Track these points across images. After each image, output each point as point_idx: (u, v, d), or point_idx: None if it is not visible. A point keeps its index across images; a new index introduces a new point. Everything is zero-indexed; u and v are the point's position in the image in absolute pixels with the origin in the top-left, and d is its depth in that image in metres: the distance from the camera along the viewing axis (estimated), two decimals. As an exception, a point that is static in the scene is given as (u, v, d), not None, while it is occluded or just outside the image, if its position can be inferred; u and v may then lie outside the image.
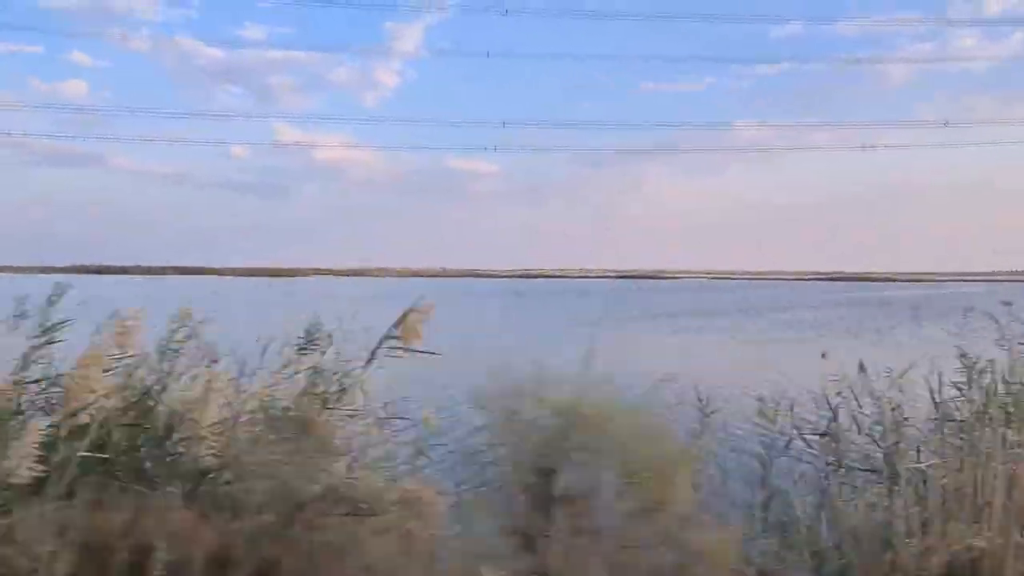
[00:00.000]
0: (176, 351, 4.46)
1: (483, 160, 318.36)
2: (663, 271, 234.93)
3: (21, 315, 4.57)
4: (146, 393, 4.20)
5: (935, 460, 3.99)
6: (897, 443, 4.16)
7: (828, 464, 4.42)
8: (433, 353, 4.47)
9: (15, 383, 3.94)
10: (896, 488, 3.77)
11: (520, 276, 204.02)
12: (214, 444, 3.90)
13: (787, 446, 4.62)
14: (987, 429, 3.92)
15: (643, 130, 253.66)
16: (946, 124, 68.05)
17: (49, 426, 3.54)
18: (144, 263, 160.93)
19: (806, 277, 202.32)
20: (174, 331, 4.52)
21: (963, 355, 4.64)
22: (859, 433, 4.50)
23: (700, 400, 4.65)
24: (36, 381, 4.06)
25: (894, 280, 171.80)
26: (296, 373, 4.52)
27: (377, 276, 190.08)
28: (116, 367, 4.11)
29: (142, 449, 4.09)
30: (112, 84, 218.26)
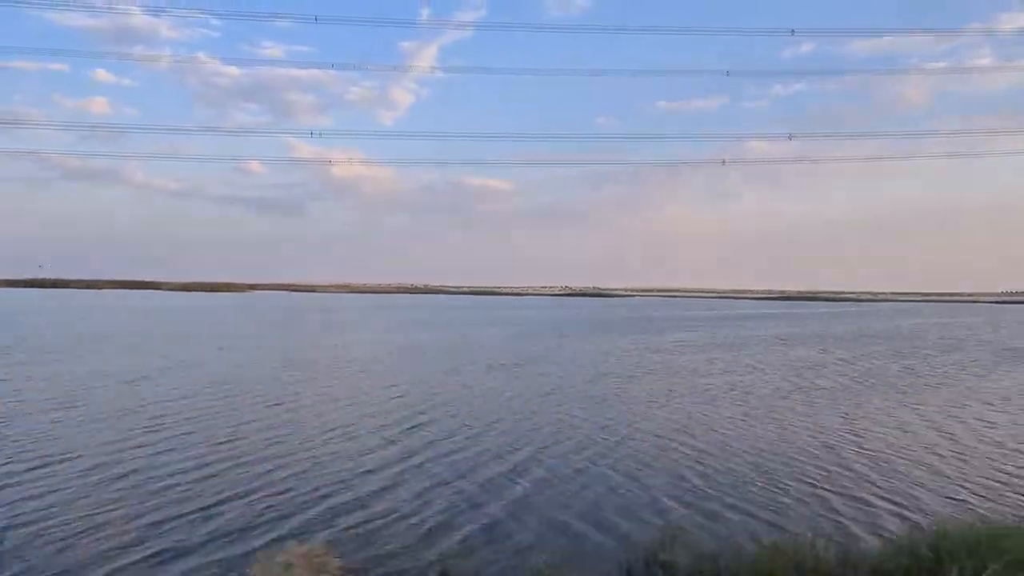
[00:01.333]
0: None
1: (496, 178, 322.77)
2: (605, 289, 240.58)
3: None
4: None
5: None
6: None
7: None
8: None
9: None
10: None
11: (470, 292, 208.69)
12: None
13: None
14: None
15: (656, 150, 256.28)
16: (790, 137, 71.63)
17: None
18: (86, 277, 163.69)
19: (761, 296, 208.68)
20: None
21: None
22: None
23: None
24: None
25: (831, 299, 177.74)
26: None
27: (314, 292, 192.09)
28: None
29: None
30: (134, 102, 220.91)
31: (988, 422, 13.69)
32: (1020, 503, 8.34)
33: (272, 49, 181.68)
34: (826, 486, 8.94)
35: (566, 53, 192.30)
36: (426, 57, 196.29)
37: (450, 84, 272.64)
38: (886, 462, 10.26)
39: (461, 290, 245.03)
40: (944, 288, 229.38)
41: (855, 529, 7.30)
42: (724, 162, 62.16)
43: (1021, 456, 10.83)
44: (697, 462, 10.12)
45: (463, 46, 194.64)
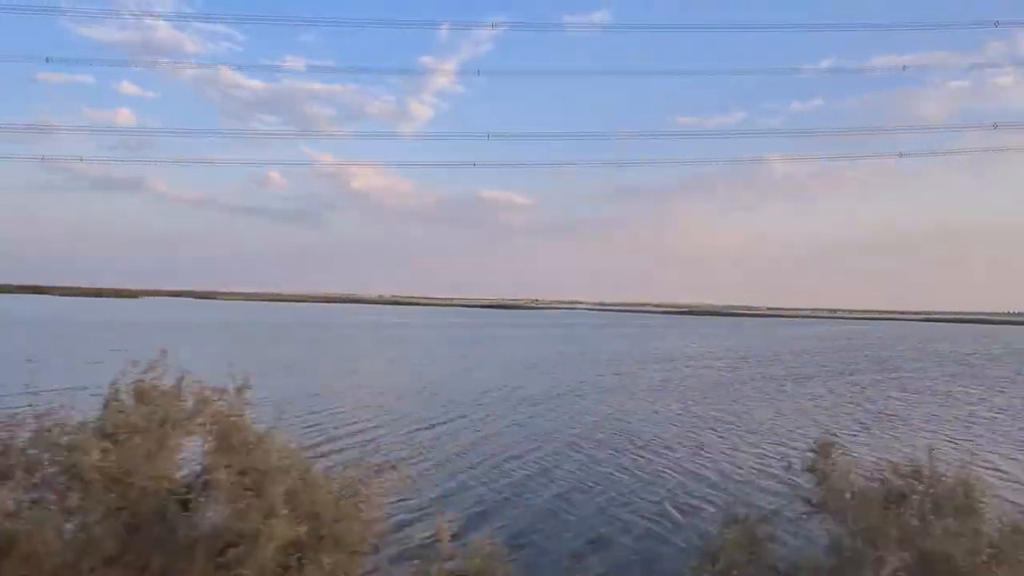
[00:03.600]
0: None
1: (516, 192, 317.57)
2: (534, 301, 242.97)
3: None
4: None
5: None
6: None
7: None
8: None
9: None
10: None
11: (392, 302, 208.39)
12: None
13: None
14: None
15: (675, 163, 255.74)
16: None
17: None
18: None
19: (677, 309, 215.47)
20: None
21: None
22: None
23: None
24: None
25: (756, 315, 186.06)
26: None
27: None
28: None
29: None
30: (158, 113, 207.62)
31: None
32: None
33: (294, 62, 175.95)
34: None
35: (584, 62, 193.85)
36: (445, 71, 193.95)
37: (469, 98, 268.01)
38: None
39: (383, 299, 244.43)
40: (940, 307, 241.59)
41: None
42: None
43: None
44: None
45: (481, 60, 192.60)
